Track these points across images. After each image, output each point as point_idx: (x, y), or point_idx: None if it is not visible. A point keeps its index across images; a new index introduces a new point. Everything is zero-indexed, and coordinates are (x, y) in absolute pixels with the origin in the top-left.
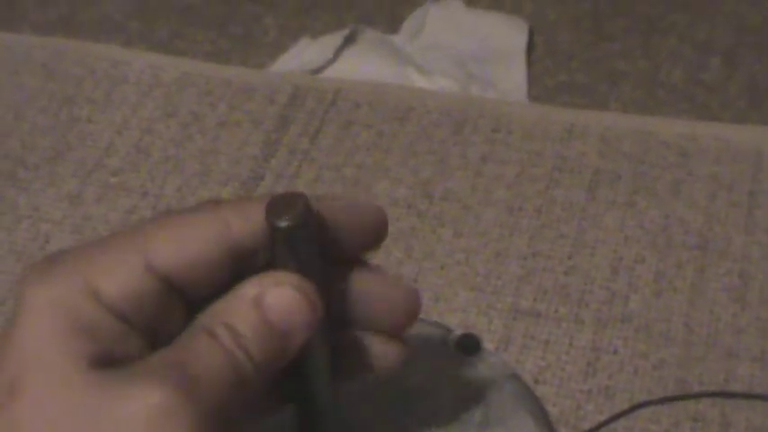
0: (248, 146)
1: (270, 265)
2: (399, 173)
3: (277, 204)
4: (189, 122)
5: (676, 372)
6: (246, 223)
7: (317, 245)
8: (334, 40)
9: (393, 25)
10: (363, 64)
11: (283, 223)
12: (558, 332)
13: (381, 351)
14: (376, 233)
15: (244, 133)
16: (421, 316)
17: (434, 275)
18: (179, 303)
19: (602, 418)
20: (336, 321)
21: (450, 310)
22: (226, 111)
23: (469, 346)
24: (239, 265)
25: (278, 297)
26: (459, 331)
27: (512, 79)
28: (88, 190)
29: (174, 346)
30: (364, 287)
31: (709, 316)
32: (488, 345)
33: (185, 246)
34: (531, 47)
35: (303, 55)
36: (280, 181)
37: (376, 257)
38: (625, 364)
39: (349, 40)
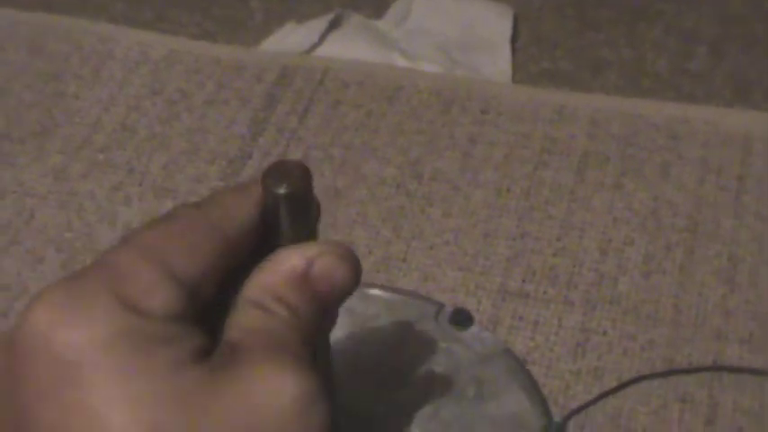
0: (236, 124)
1: (266, 236)
2: (388, 153)
3: (274, 172)
4: (176, 100)
5: (665, 352)
6: (235, 224)
7: (316, 209)
8: (319, 24)
9: (379, 10)
10: (348, 48)
11: (282, 190)
12: (547, 313)
13: None
14: None
15: (231, 111)
16: (413, 292)
17: (423, 255)
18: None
19: (591, 398)
20: None
21: (439, 290)
22: (213, 89)
23: (462, 320)
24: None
25: (325, 267)
26: (451, 307)
27: (496, 66)
28: (74, 166)
29: (244, 328)
30: None
31: (697, 298)
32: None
33: (198, 255)
34: (515, 34)
35: (288, 39)
36: (267, 159)
37: (365, 235)
38: (614, 345)
39: (334, 25)
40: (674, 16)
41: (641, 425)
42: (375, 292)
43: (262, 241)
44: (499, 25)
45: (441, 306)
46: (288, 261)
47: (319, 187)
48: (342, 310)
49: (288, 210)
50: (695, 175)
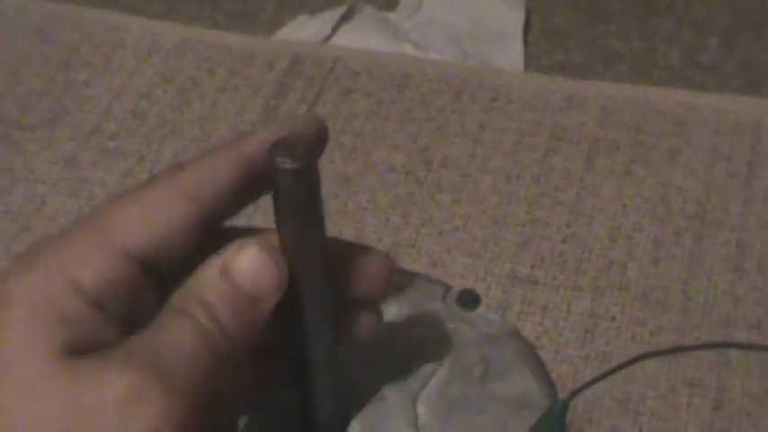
0: (246, 112)
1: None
2: (398, 140)
3: (278, 148)
4: (187, 88)
5: (674, 338)
6: (210, 188)
7: (319, 189)
8: (331, 16)
9: (390, 2)
10: (360, 40)
11: (288, 165)
12: (556, 298)
13: (356, 322)
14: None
15: (242, 99)
16: (420, 273)
17: (432, 241)
18: (153, 284)
19: (601, 382)
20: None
21: (448, 276)
22: (224, 77)
23: (469, 301)
24: (208, 230)
25: (244, 262)
26: (459, 288)
27: (508, 58)
28: (85, 153)
29: (147, 329)
30: (339, 256)
31: (706, 284)
32: None
33: (154, 225)
34: (527, 26)
35: (300, 31)
36: None
37: (374, 222)
38: (622, 330)
39: (346, 17)
40: (685, 8)
41: (649, 409)
42: None
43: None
44: (511, 17)
45: (448, 287)
46: (210, 259)
47: (329, 174)
48: None
49: (294, 184)
50: (705, 162)
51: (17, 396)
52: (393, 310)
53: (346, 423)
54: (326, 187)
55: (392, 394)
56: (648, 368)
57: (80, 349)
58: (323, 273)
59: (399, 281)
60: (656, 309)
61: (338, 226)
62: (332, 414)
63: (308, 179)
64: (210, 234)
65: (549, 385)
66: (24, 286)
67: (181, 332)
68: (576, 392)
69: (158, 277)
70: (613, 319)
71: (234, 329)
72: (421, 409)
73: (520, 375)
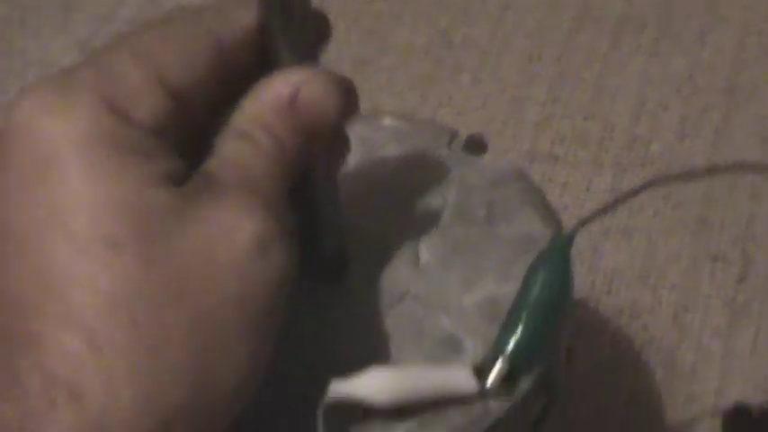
0: None
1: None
2: (417, 20)
3: None
4: None
5: (697, 212)
6: (232, 30)
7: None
8: None
9: None
10: None
11: None
12: (577, 175)
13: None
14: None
15: None
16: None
17: (451, 121)
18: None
19: (621, 256)
20: None
21: None
22: None
23: (476, 145)
24: (226, 74)
25: (312, 94)
26: (465, 133)
27: None
28: (99, 38)
29: (225, 159)
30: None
31: (733, 159)
32: None
33: (191, 62)
34: None
35: None
36: None
37: (392, 102)
38: (644, 205)
39: None
40: None
41: (670, 282)
42: (386, 121)
43: (262, 65)
44: None
45: (454, 133)
46: (273, 88)
47: (346, 55)
48: (351, 138)
49: (281, 21)
50: (735, 38)
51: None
52: (397, 156)
53: (345, 265)
54: (342, 69)
55: (394, 237)
56: (671, 244)
57: (172, 177)
58: None
59: (404, 128)
60: (680, 184)
61: None
62: (331, 253)
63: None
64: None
65: (556, 226)
66: (69, 127)
67: (264, 162)
68: (579, 225)
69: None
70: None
71: (297, 160)
72: (423, 251)
73: (525, 216)
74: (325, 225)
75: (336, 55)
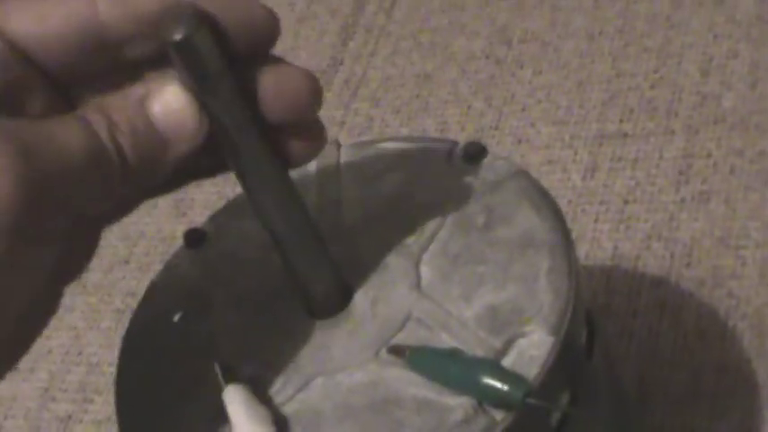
0: (326, 35)
1: None
2: (475, 26)
3: (166, 20)
4: None
5: None
6: (116, 7)
7: (220, 49)
8: None
9: None
10: None
11: (178, 36)
12: (647, 148)
13: (290, 146)
14: (266, 30)
15: (322, 25)
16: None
17: (515, 118)
18: (43, 85)
19: (697, 224)
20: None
21: (532, 150)
22: (303, 7)
23: (475, 154)
24: (114, 56)
25: (167, 100)
26: (463, 143)
27: None
28: None
29: (37, 119)
30: (263, 81)
31: None
32: (574, 176)
33: (45, 20)
34: None
35: None
36: (358, 62)
37: (457, 113)
38: (720, 164)
39: None
40: None
41: (753, 240)
42: (387, 144)
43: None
44: None
45: (453, 144)
46: (131, 87)
47: (409, 74)
48: (350, 165)
49: (188, 54)
50: None
51: None
52: (397, 179)
53: (349, 295)
54: (408, 88)
55: (394, 260)
56: (750, 200)
57: None
58: (252, 140)
59: (403, 148)
60: (756, 134)
61: (421, 124)
62: (331, 286)
63: (204, 43)
64: (121, 62)
65: (556, 220)
66: None
67: (70, 133)
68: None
69: (56, 85)
70: (709, 155)
71: (133, 159)
72: (424, 269)
73: (523, 215)
74: (309, 271)
75: (400, 73)
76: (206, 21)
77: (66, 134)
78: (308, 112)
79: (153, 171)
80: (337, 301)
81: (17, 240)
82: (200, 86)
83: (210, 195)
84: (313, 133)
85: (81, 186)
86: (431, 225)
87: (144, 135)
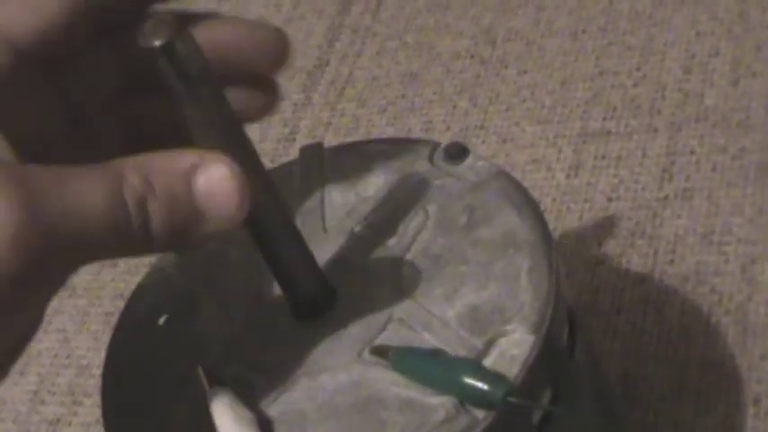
0: (313, 36)
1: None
2: (460, 26)
3: (147, 28)
4: None
5: (758, 158)
6: None
7: (202, 56)
8: None
9: None
10: None
11: (158, 42)
12: (630, 146)
13: (252, 97)
14: (274, 53)
15: (309, 25)
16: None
17: (500, 118)
18: (49, 84)
19: (680, 221)
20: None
21: (516, 149)
22: (290, 8)
23: (457, 154)
24: (109, 35)
25: (217, 176)
26: (444, 143)
27: None
28: None
29: (55, 164)
30: (228, 36)
31: None
32: (558, 174)
33: (38, 10)
34: None
35: None
36: (345, 61)
37: (442, 112)
38: (702, 162)
39: None
40: None
41: (735, 236)
42: (368, 147)
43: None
44: None
45: (435, 144)
46: (181, 151)
47: (395, 74)
48: (333, 167)
49: (169, 60)
50: None
51: None
52: (379, 181)
53: (333, 296)
54: (394, 88)
55: (377, 261)
56: (733, 196)
57: None
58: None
59: (384, 151)
60: (738, 131)
61: (406, 124)
62: (314, 288)
63: (184, 50)
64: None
65: (536, 220)
66: None
67: (91, 188)
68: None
69: (55, 74)
70: (692, 152)
71: (160, 232)
72: (407, 271)
73: (504, 215)
74: (292, 273)
75: (386, 74)
76: (186, 26)
77: (85, 190)
78: (276, 64)
79: (177, 245)
80: (321, 302)
81: (17, 289)
82: (184, 89)
83: None
84: (270, 89)
85: (91, 249)
86: (413, 226)
87: (180, 207)
